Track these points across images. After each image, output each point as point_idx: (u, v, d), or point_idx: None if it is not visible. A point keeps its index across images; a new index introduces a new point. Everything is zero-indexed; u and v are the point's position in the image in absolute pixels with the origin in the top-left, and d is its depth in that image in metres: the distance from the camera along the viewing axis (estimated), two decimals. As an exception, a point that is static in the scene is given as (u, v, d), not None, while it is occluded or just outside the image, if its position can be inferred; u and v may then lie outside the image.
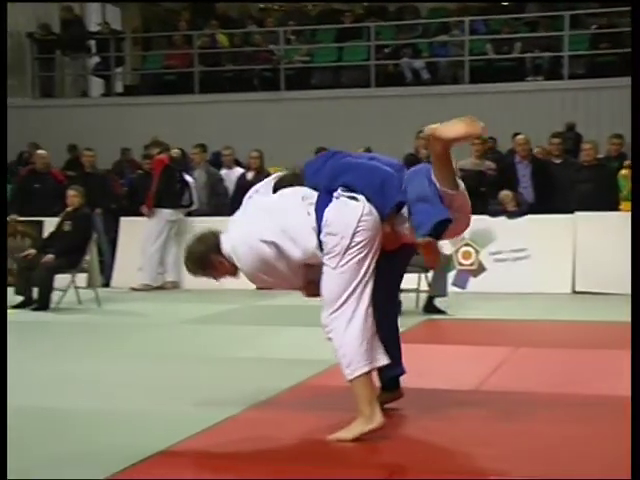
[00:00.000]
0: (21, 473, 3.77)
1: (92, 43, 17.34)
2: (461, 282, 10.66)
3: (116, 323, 8.75)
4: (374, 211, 4.24)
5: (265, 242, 4.27)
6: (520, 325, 8.27)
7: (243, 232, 4.38)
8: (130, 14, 20.00)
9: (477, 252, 10.75)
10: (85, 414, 4.85)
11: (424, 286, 8.99)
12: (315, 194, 4.36)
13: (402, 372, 4.73)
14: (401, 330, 7.60)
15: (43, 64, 17.21)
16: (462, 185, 4.24)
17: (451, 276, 10.14)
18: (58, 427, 4.62)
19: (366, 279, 4.22)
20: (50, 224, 10.66)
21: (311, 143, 11.70)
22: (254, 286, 4.60)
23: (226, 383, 5.63)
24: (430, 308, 8.82)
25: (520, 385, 5.48)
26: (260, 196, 4.60)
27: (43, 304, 9.34)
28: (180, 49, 17.01)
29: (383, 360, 4.31)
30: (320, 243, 4.23)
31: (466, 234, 10.61)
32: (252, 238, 4.31)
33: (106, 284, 11.41)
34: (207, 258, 4.46)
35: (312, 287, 4.41)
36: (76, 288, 9.64)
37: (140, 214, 11.43)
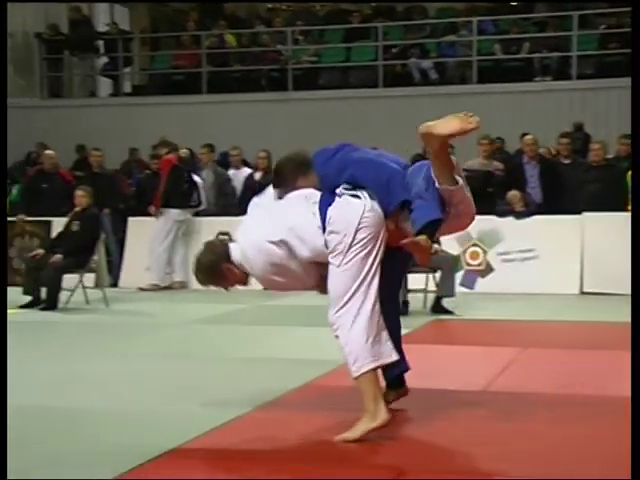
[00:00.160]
0: (28, 472, 3.78)
1: (100, 43, 17.36)
2: (469, 282, 10.65)
3: (124, 323, 8.76)
4: (377, 208, 4.26)
5: (274, 243, 4.28)
6: (528, 326, 8.25)
7: (251, 237, 4.39)
8: (138, 14, 20.02)
9: (485, 252, 10.74)
10: (93, 414, 4.85)
11: (432, 286, 8.98)
12: (318, 194, 4.38)
13: (406, 369, 4.71)
14: (409, 330, 7.63)
15: (51, 64, 17.23)
16: (461, 181, 4.24)
17: (459, 276, 10.12)
18: (66, 427, 4.62)
19: (371, 275, 4.23)
20: (58, 224, 10.68)
21: (319, 143, 11.51)
22: (261, 286, 4.60)
23: (234, 383, 5.63)
24: (438, 308, 8.81)
25: (528, 386, 5.47)
26: (263, 202, 4.62)
27: (51, 304, 9.36)
28: (188, 49, 17.03)
29: (391, 356, 4.30)
30: (325, 241, 4.25)
31: (474, 234, 10.63)
32: (260, 241, 4.32)
33: (114, 284, 11.43)
34: (217, 267, 4.44)
35: (326, 284, 4.40)
36: (84, 288, 9.65)
37: (148, 214, 11.45)
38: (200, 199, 11.67)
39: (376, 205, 4.27)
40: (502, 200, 10.89)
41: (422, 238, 4.15)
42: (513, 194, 10.75)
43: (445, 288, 8.82)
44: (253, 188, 10.65)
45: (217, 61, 16.69)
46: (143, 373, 6.06)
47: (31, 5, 17.44)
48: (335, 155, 4.48)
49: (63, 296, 9.46)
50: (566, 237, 10.53)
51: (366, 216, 4.22)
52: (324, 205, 4.30)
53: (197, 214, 11.70)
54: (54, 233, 10.74)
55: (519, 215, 10.70)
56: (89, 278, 9.94)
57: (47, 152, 12.41)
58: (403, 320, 8.23)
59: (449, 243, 9.57)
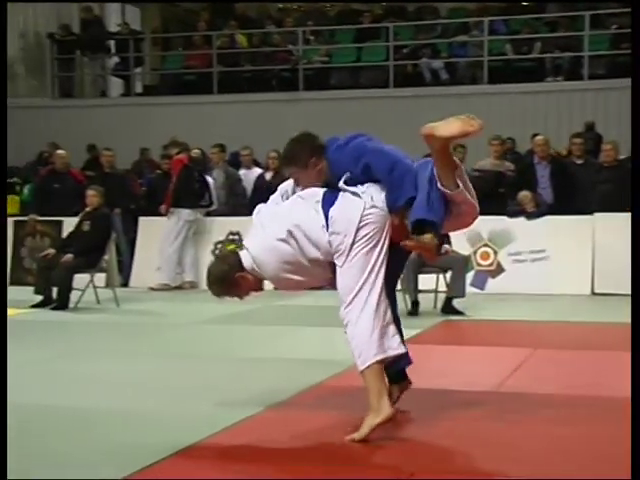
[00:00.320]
0: (35, 471, 3.79)
1: (112, 43, 17.40)
2: (479, 283, 10.64)
3: (134, 323, 8.78)
4: (380, 203, 4.30)
5: (282, 240, 4.30)
6: (538, 326, 8.24)
7: (259, 239, 4.42)
8: (150, 14, 20.06)
9: (496, 253, 10.72)
10: (103, 413, 4.86)
11: (442, 287, 8.97)
12: (320, 192, 4.40)
13: (409, 363, 4.69)
14: (419, 331, 7.63)
15: (63, 64, 17.28)
16: (461, 185, 4.24)
17: (469, 277, 10.11)
18: (75, 426, 4.62)
19: (376, 270, 4.26)
20: (69, 224, 10.70)
21: (329, 143, 11.67)
22: (272, 286, 4.60)
23: (244, 383, 5.63)
24: (448, 309, 8.80)
25: (538, 387, 5.46)
26: (266, 206, 4.63)
27: (62, 303, 9.39)
28: (199, 49, 17.05)
29: (398, 350, 4.31)
30: (329, 241, 4.28)
31: (485, 235, 10.62)
32: (269, 240, 4.34)
33: (124, 284, 11.46)
34: (230, 277, 4.43)
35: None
36: (95, 288, 9.67)
37: (159, 214, 11.46)
38: (212, 199, 11.69)
39: (379, 201, 4.30)
40: (513, 201, 10.87)
41: (427, 237, 4.19)
42: (524, 194, 10.73)
43: (456, 288, 8.81)
44: (264, 188, 10.66)
45: (228, 61, 16.70)
46: (153, 373, 6.07)
47: (43, 5, 17.51)
48: (349, 143, 4.49)
49: (74, 296, 9.48)
50: (577, 238, 10.51)
51: (367, 213, 4.25)
52: (326, 204, 4.33)
53: (208, 214, 11.72)
54: (65, 233, 10.77)
55: (530, 215, 10.68)
56: (100, 278, 9.95)
57: (58, 152, 12.44)
58: (413, 320, 8.30)
59: (460, 243, 9.57)
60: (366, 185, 4.36)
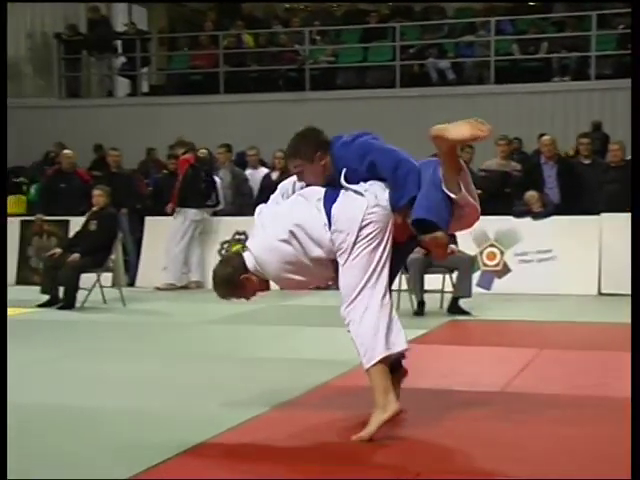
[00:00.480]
0: (43, 471, 3.80)
1: (118, 43, 17.42)
2: (486, 283, 10.63)
3: (141, 322, 8.79)
4: (383, 202, 4.31)
5: (284, 240, 4.32)
6: (545, 327, 8.23)
7: (260, 240, 4.44)
8: (156, 14, 20.08)
9: (502, 253, 10.71)
10: (110, 413, 4.87)
11: (448, 287, 8.97)
12: (322, 190, 4.41)
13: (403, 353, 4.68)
14: (425, 331, 7.63)
15: (70, 64, 17.30)
16: (463, 190, 4.26)
17: (476, 277, 10.10)
18: (82, 426, 4.63)
19: (379, 269, 4.28)
20: (76, 223, 10.72)
21: (336, 143, 11.67)
22: (279, 287, 4.61)
23: (251, 383, 5.63)
24: (455, 309, 8.79)
25: (544, 387, 5.45)
26: (267, 207, 4.64)
27: (68, 303, 9.40)
28: (206, 49, 17.06)
29: (403, 345, 4.33)
30: (332, 239, 4.29)
31: (491, 235, 10.61)
32: (270, 241, 4.36)
33: (131, 283, 11.47)
34: (235, 278, 4.45)
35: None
36: (101, 287, 9.68)
37: (165, 214, 11.48)
38: (218, 198, 11.70)
39: (383, 200, 4.31)
40: (520, 201, 10.85)
41: (440, 234, 4.21)
42: (531, 194, 10.72)
43: (462, 289, 8.80)
44: (270, 188, 10.58)
45: (234, 61, 16.71)
46: (159, 372, 6.07)
47: (50, 5, 17.53)
48: (355, 140, 4.51)
49: (80, 295, 9.49)
50: (584, 238, 10.49)
51: (370, 212, 4.27)
52: (328, 202, 4.34)
53: (215, 214, 11.73)
54: (72, 232, 10.78)
55: (537, 216, 10.66)
56: (106, 277, 9.97)
57: (65, 152, 12.46)
58: (419, 320, 8.29)
59: (466, 243, 9.56)
60: (369, 183, 4.38)
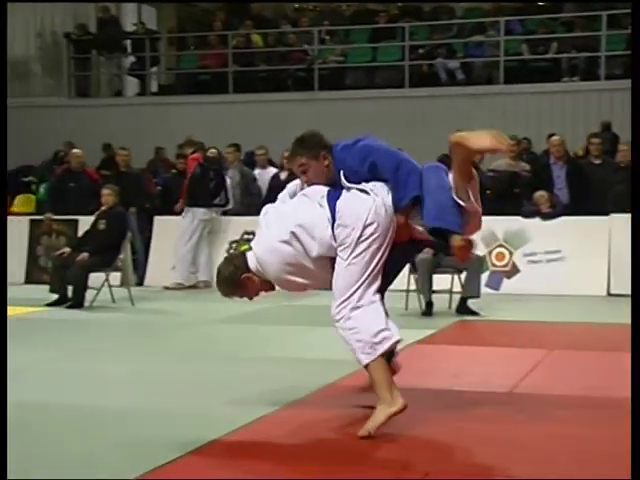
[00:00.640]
0: (49, 471, 3.80)
1: (128, 43, 17.45)
2: (494, 283, 10.61)
3: (149, 322, 8.79)
4: (387, 203, 4.33)
5: (285, 242, 4.35)
6: (554, 327, 8.21)
7: (262, 241, 4.47)
8: (166, 14, 20.10)
9: (511, 253, 10.69)
10: (118, 412, 4.87)
11: (457, 287, 8.95)
12: (325, 189, 4.43)
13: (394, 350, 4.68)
14: (433, 331, 7.62)
15: (79, 64, 17.34)
16: (472, 197, 4.32)
17: (484, 277, 10.08)
18: (90, 425, 4.63)
19: (376, 271, 4.32)
20: (85, 223, 10.74)
21: (345, 143, 11.67)
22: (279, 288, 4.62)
23: (258, 382, 5.63)
24: (463, 309, 8.78)
25: (553, 388, 5.44)
26: (272, 207, 4.66)
27: (77, 302, 9.41)
28: (215, 49, 17.07)
29: (397, 336, 4.35)
30: (334, 234, 4.30)
31: (500, 235, 10.59)
32: (271, 242, 4.39)
33: (139, 283, 11.48)
34: (237, 277, 4.49)
35: None
36: (110, 286, 9.69)
37: (173, 213, 11.49)
38: (228, 198, 11.71)
39: (387, 200, 4.33)
40: (529, 201, 10.83)
41: (458, 238, 4.25)
42: (540, 195, 10.69)
43: (470, 289, 8.79)
44: (278, 188, 10.59)
45: (243, 61, 16.71)
46: (167, 372, 6.08)
47: (60, 5, 17.58)
48: (356, 143, 4.54)
49: (89, 294, 9.51)
50: (593, 238, 10.46)
51: (375, 211, 4.28)
52: (332, 198, 4.37)
53: (224, 213, 11.73)
54: (80, 232, 10.80)
55: (546, 216, 10.64)
56: (115, 277, 9.98)
57: (74, 151, 12.48)
58: (428, 321, 8.28)
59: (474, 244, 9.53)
60: (372, 184, 4.40)
